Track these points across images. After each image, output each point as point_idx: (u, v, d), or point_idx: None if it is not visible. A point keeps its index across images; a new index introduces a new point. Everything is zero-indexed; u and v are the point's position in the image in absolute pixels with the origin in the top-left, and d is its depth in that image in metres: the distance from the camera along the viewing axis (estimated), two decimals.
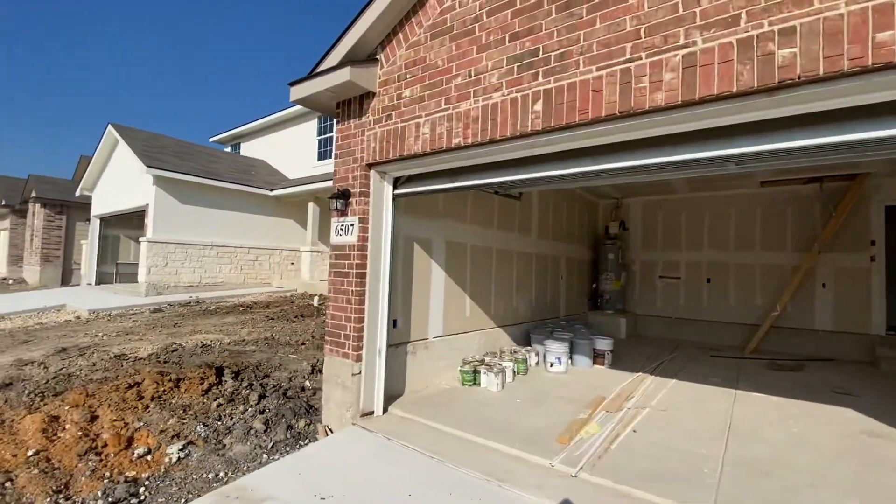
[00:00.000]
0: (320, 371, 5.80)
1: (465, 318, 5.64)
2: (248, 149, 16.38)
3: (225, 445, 3.80)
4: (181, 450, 3.62)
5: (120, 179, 12.20)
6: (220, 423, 4.16)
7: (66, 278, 15.41)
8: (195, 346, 6.46)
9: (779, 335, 7.55)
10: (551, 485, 2.81)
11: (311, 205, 12.12)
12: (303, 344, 7.05)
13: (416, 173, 4.04)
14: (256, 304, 9.82)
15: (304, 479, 2.92)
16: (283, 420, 4.25)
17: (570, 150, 2.94)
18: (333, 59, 3.97)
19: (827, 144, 2.16)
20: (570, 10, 2.77)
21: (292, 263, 13.14)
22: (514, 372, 5.30)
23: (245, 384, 5.03)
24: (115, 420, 4.05)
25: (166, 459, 3.54)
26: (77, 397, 4.45)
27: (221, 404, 4.49)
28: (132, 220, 13.85)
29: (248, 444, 3.84)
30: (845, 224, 7.14)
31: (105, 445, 3.67)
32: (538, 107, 2.86)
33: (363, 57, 3.97)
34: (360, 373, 3.91)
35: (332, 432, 3.92)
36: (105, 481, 3.21)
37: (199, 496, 3.05)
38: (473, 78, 3.22)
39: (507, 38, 3.06)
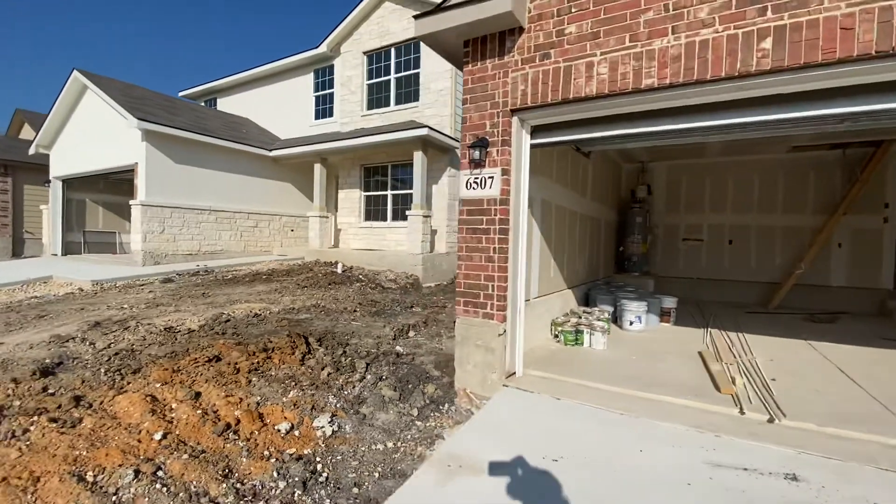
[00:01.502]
0: (405, 335, 5.54)
1: (549, 280, 5.54)
2: (226, 105, 14.89)
3: (365, 416, 3.51)
4: (330, 423, 3.30)
5: (90, 135, 10.67)
6: (345, 392, 3.84)
7: (18, 249, 13.51)
8: (246, 315, 5.92)
9: (796, 292, 8.14)
10: (764, 433, 2.84)
11: (317, 167, 11.28)
12: (355, 311, 6.69)
13: (551, 122, 3.76)
14: (274, 273, 9.15)
15: (509, 442, 2.74)
16: (410, 386, 3.99)
17: (789, 94, 2.81)
18: None
19: None
20: None
21: (292, 230, 12.33)
22: (607, 331, 5.31)
23: (339, 352, 4.68)
24: (227, 396, 3.63)
25: (318, 433, 3.21)
26: (162, 374, 3.94)
27: (331, 373, 4.15)
28: (98, 183, 12.34)
29: (391, 412, 3.58)
30: (862, 187, 7.68)
31: (238, 422, 3.27)
32: (766, 44, 2.69)
33: None
34: (504, 333, 3.71)
35: (475, 396, 3.73)
36: (272, 461, 2.86)
37: (398, 468, 2.80)
38: (673, 10, 2.97)
39: None
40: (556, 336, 5.10)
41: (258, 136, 12.37)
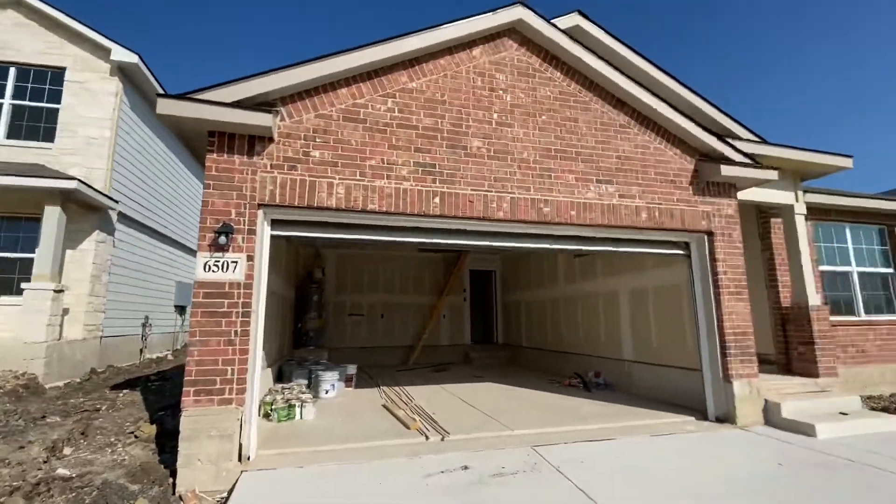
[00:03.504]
0: (57, 454, 4.30)
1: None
2: None
3: None
4: None
5: None
6: None
7: None
8: None
9: (424, 351, 11.32)
10: (442, 447, 4.27)
11: (51, 211, 6.39)
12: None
13: (293, 219, 4.44)
14: None
15: None
16: (121, 496, 3.24)
17: (447, 229, 4.71)
18: (226, 94, 3.92)
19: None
20: (455, 149, 4.68)
21: None
22: (314, 401, 5.88)
23: None
24: None
25: None
26: None
27: None
28: None
29: None
30: (455, 279, 11.93)
31: None
32: (437, 200, 4.51)
33: (257, 103, 4.13)
34: (242, 417, 3.75)
35: (207, 494, 3.48)
36: None
37: None
38: (387, 165, 4.43)
39: (412, 149, 4.55)
40: (268, 415, 5.24)
41: None
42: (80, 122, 8.53)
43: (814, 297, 6.08)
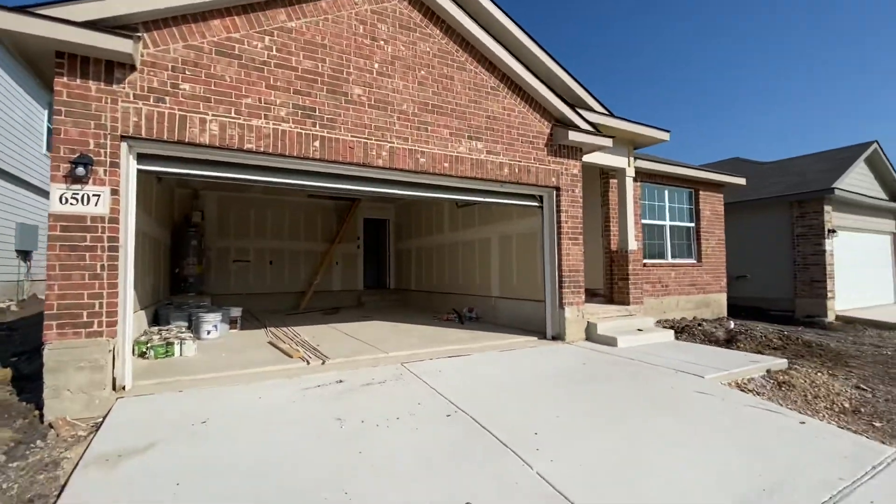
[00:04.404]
0: None
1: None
2: None
3: None
4: None
5: None
6: None
7: None
8: None
9: (315, 296, 11.55)
10: (322, 369, 4.81)
11: None
12: None
13: (161, 154, 4.34)
14: None
15: (154, 427, 3.24)
16: None
17: (328, 173, 4.98)
18: (78, 12, 3.61)
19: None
20: (335, 94, 4.88)
21: None
22: (193, 339, 5.93)
23: None
24: None
25: None
26: None
27: None
28: None
29: None
30: (347, 227, 12.13)
31: None
32: (317, 143, 4.74)
33: (115, 25, 3.87)
34: (113, 348, 3.83)
35: (81, 421, 3.59)
36: None
37: (28, 497, 2.59)
38: (264, 105, 4.50)
39: (292, 91, 4.65)
40: (144, 353, 5.23)
41: None
42: None
43: (633, 244, 7.68)
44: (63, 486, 2.65)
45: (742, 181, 10.23)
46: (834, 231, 11.03)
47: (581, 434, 3.21)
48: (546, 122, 6.42)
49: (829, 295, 10.64)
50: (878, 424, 4.07)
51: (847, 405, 4.51)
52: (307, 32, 4.81)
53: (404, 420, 3.41)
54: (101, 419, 3.57)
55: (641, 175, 8.47)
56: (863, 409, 4.44)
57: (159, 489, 2.47)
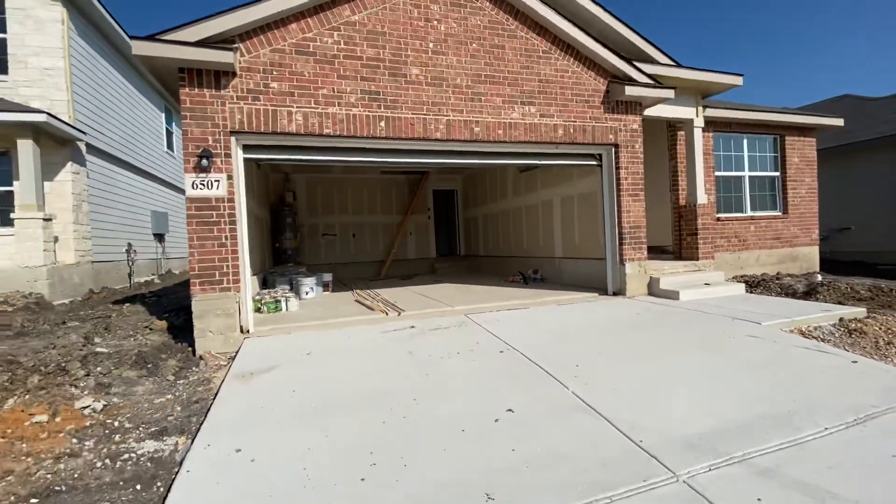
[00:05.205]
0: (90, 342, 5.44)
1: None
2: None
3: (124, 392, 3.89)
4: (94, 401, 3.57)
5: None
6: (82, 384, 3.92)
7: None
8: None
9: (394, 264, 12.61)
10: (399, 319, 5.60)
11: (25, 144, 6.78)
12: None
13: (261, 144, 5.26)
14: None
15: (275, 357, 4.22)
16: (150, 366, 4.46)
17: (393, 149, 5.63)
18: (191, 34, 4.53)
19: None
20: (396, 77, 5.45)
21: None
22: (297, 298, 7.11)
23: (30, 364, 4.29)
24: None
25: (87, 412, 3.46)
26: None
27: (42, 378, 3.97)
28: None
29: (147, 384, 4.07)
30: (418, 199, 12.91)
31: None
32: (382, 123, 5.38)
33: (219, 41, 4.75)
34: (240, 300, 4.91)
35: (221, 355, 4.73)
36: (62, 434, 3.08)
37: (193, 399, 3.66)
38: (337, 94, 5.21)
39: (359, 78, 5.30)
40: (259, 309, 6.44)
41: None
42: (31, 52, 8.57)
43: (702, 198, 7.42)
44: (216, 394, 3.67)
45: (839, 122, 9.13)
46: None
47: (618, 368, 3.59)
48: (601, 80, 6.42)
49: None
50: None
51: None
52: (368, 23, 5.39)
53: (463, 355, 4.05)
54: (234, 352, 4.68)
55: (714, 125, 8.02)
56: None
57: (282, 393, 3.37)
